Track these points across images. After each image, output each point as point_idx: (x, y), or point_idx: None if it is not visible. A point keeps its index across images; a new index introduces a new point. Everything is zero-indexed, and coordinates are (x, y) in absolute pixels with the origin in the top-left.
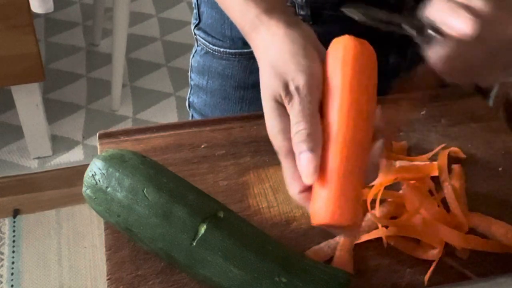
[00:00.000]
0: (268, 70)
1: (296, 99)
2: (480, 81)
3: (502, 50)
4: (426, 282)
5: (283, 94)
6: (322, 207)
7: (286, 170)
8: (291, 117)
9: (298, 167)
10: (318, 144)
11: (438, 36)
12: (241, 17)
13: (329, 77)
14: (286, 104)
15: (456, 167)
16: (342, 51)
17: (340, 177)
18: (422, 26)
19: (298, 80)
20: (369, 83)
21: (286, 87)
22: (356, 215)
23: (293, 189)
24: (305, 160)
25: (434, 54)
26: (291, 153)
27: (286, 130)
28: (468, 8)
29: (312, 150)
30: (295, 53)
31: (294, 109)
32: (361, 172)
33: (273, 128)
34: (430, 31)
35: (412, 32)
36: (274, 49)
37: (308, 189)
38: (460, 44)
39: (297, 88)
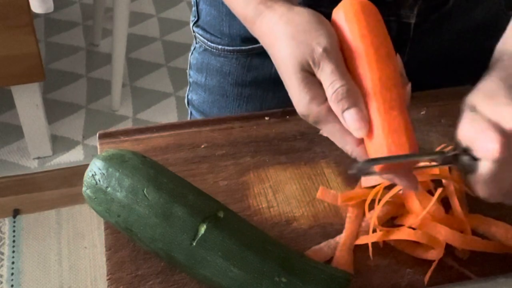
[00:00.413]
0: (287, 43)
1: (326, 61)
2: (507, 199)
3: None
4: (426, 282)
5: (310, 60)
6: (380, 149)
7: (333, 133)
8: (323, 79)
9: (346, 125)
10: (359, 98)
11: (472, 161)
12: (244, 6)
13: (345, 39)
14: (315, 69)
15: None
16: (351, 13)
17: (386, 117)
18: (456, 156)
19: (323, 43)
20: (383, 35)
21: (312, 53)
22: (414, 143)
23: (349, 146)
24: (352, 116)
25: (473, 181)
26: (332, 115)
27: (319, 97)
28: (496, 126)
29: (355, 104)
30: (309, 21)
31: (326, 71)
32: (403, 109)
33: (305, 98)
34: (464, 158)
35: (450, 165)
36: (288, 23)
37: (363, 141)
38: (494, 165)
39: (324, 50)
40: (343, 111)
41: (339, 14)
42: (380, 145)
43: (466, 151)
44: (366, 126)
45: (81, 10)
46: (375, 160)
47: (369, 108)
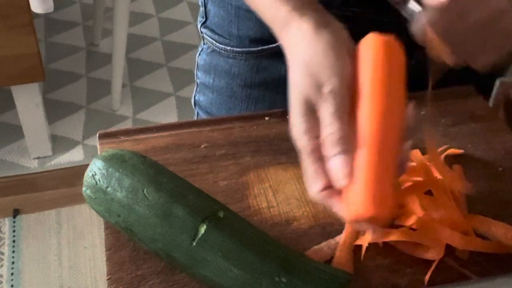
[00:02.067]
0: (300, 69)
1: (330, 101)
2: (472, 62)
3: (489, 26)
4: (426, 282)
5: (316, 95)
6: (357, 203)
7: (309, 168)
8: (323, 118)
9: (330, 169)
10: (351, 147)
11: (419, 7)
12: (272, 15)
13: (359, 78)
14: (318, 105)
15: (456, 167)
16: (371, 52)
17: (375, 172)
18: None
19: (332, 82)
20: (400, 82)
21: (319, 88)
22: (393, 206)
23: (316, 187)
24: (339, 163)
25: (416, 25)
26: (315, 153)
27: (312, 130)
28: None
29: (346, 152)
30: (327, 54)
31: (328, 111)
32: (392, 170)
33: (300, 127)
34: (412, 3)
35: (396, 5)
36: (306, 48)
37: (330, 186)
38: (441, 13)
39: (331, 91)
40: (332, 156)
41: (362, 47)
42: (354, 199)
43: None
44: (349, 177)
45: (81, 10)
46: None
47: (361, 157)
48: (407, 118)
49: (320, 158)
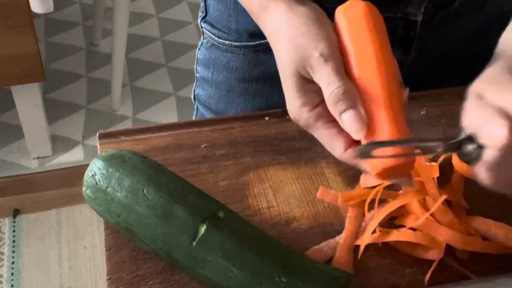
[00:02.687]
0: (285, 45)
1: (322, 64)
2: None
3: None
4: (426, 282)
5: (307, 65)
6: (387, 131)
7: (322, 136)
8: (320, 81)
9: (344, 126)
10: (357, 100)
11: (476, 149)
12: (249, 1)
13: (346, 40)
14: (312, 73)
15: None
16: (352, 13)
17: (390, 119)
18: (459, 143)
19: (321, 47)
20: (385, 35)
21: (309, 56)
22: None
23: (338, 150)
24: (350, 118)
25: (477, 169)
26: (320, 119)
27: (310, 102)
28: (504, 112)
29: (353, 106)
30: (310, 24)
31: (322, 73)
32: (403, 116)
33: (296, 103)
34: (469, 146)
35: (454, 153)
36: (288, 24)
37: (352, 143)
38: (500, 152)
39: (321, 55)
40: (340, 113)
41: (341, 15)
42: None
43: (471, 138)
44: (364, 128)
45: (81, 10)
46: (378, 143)
47: (371, 110)
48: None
49: (328, 121)
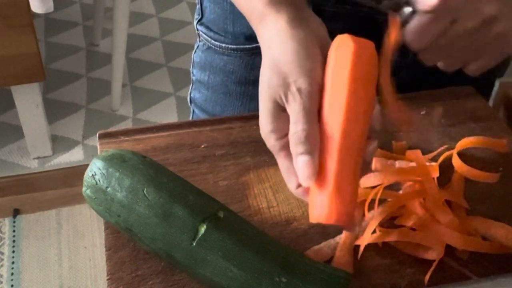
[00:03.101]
0: (269, 67)
1: (297, 100)
2: (465, 67)
3: (481, 32)
4: (426, 282)
5: (283, 95)
6: (319, 208)
7: (281, 166)
8: (290, 115)
9: (295, 168)
10: (316, 147)
11: (412, 11)
12: (249, 8)
13: (328, 80)
14: (285, 104)
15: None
16: (341, 53)
17: (336, 178)
18: (399, 3)
19: (300, 83)
20: (368, 85)
21: (287, 87)
22: (352, 215)
23: (291, 184)
24: (303, 163)
25: (408, 30)
26: (284, 150)
27: (279, 130)
28: None
29: (309, 153)
30: (298, 53)
31: (294, 110)
32: (355, 173)
33: (267, 127)
34: (405, 8)
35: (389, 10)
36: (278, 46)
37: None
38: (433, 19)
39: (298, 90)
40: (297, 155)
41: (332, 51)
42: (322, 201)
43: (408, 2)
44: (312, 177)
45: (81, 10)
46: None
47: (325, 159)
48: (374, 120)
49: (290, 155)
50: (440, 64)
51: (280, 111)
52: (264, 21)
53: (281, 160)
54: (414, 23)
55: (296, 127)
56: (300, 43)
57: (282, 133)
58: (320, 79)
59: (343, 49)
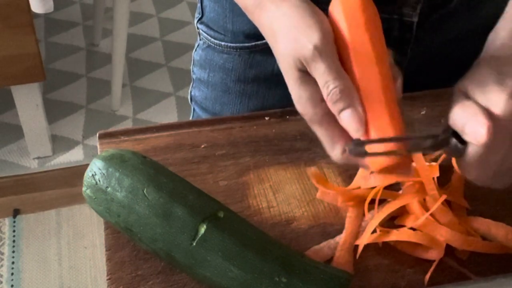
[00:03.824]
0: (281, 39)
1: (318, 59)
2: (492, 184)
3: None
4: (426, 282)
5: (303, 58)
6: (384, 125)
7: (323, 136)
8: (318, 79)
9: (343, 126)
10: (355, 98)
11: (461, 145)
12: None
13: (341, 34)
14: (308, 68)
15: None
16: (349, 6)
17: (388, 112)
18: (446, 139)
19: (314, 40)
20: (379, 26)
21: (304, 49)
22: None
23: (336, 152)
24: (349, 117)
25: (462, 164)
26: (326, 118)
27: (314, 97)
28: (486, 111)
29: (351, 105)
30: (304, 16)
31: (319, 70)
32: (398, 109)
33: (301, 98)
34: (454, 141)
35: (440, 148)
36: (282, 17)
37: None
38: (482, 149)
39: (315, 48)
40: (339, 112)
41: (336, 8)
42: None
43: (456, 135)
44: (362, 127)
45: (81, 10)
46: (367, 141)
47: (370, 107)
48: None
49: (330, 120)
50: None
51: (306, 77)
52: (261, 4)
53: (323, 129)
54: (470, 156)
55: (328, 87)
56: (301, 7)
57: (318, 99)
58: (331, 32)
59: (350, 2)
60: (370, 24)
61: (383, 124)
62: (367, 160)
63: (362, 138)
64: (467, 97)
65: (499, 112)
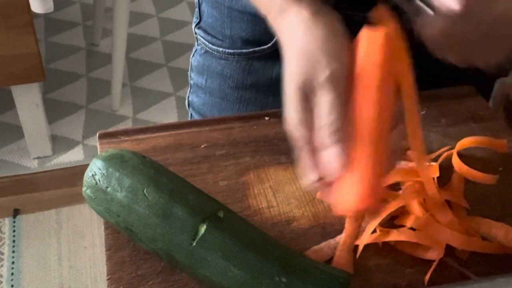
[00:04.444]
0: (296, 56)
1: (328, 87)
2: (477, 61)
3: (495, 27)
4: (426, 282)
5: (312, 82)
6: (350, 197)
7: (304, 159)
8: (322, 105)
9: (323, 159)
10: (346, 139)
11: (427, 8)
12: (268, 1)
13: (355, 70)
14: (314, 93)
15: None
16: (369, 40)
17: (367, 168)
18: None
19: (332, 67)
20: (393, 77)
21: (316, 74)
22: (381, 200)
23: (311, 178)
24: (334, 155)
25: (425, 28)
26: (310, 144)
27: (307, 120)
28: None
29: (341, 143)
30: (327, 39)
31: (324, 100)
32: (384, 160)
33: (295, 117)
34: (419, 2)
35: (401, 1)
36: (303, 34)
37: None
38: (450, 18)
39: (330, 75)
40: (328, 146)
41: (361, 38)
42: (349, 191)
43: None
44: (344, 168)
45: (81, 10)
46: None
47: (354, 150)
48: (396, 107)
49: (314, 149)
50: (452, 59)
51: (306, 101)
52: (284, 13)
53: (305, 153)
54: (432, 24)
55: (327, 118)
56: (327, 30)
57: (309, 124)
58: (347, 65)
59: (373, 36)
60: (387, 64)
61: (361, 166)
62: (334, 201)
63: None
64: None
65: None
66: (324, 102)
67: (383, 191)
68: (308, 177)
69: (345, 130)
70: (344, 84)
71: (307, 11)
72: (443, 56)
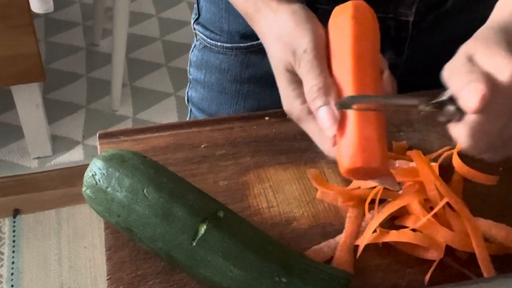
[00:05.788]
0: (275, 43)
1: (303, 60)
2: (489, 156)
3: None
4: (426, 282)
5: (292, 61)
6: (347, 153)
7: (312, 132)
8: (302, 78)
9: (319, 123)
10: (331, 97)
11: (457, 111)
12: (244, 1)
13: (333, 42)
14: (296, 68)
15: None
16: (340, 16)
17: (358, 120)
18: (441, 103)
19: (303, 43)
20: (372, 41)
21: (294, 53)
22: (382, 155)
23: (326, 147)
24: (322, 114)
25: (455, 131)
26: (311, 115)
27: (301, 96)
28: (489, 78)
29: (326, 103)
30: (298, 22)
31: (303, 70)
32: (378, 116)
33: (289, 97)
34: (450, 107)
35: (432, 111)
36: (278, 23)
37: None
38: (479, 118)
39: (304, 51)
40: (316, 110)
41: (332, 17)
42: (347, 146)
43: (452, 99)
44: (334, 126)
45: (81, 10)
46: (359, 97)
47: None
48: (386, 83)
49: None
50: (488, 158)
51: (294, 78)
52: (261, 10)
53: (310, 125)
54: (466, 126)
55: (308, 84)
56: (298, 14)
57: (304, 98)
58: (322, 37)
59: (342, 11)
60: (360, 35)
61: (350, 124)
62: (338, 162)
63: (334, 136)
64: (471, 59)
65: (504, 79)
66: (303, 74)
67: (380, 151)
68: (323, 145)
69: (330, 92)
70: (322, 55)
71: (281, 4)
72: (482, 156)
